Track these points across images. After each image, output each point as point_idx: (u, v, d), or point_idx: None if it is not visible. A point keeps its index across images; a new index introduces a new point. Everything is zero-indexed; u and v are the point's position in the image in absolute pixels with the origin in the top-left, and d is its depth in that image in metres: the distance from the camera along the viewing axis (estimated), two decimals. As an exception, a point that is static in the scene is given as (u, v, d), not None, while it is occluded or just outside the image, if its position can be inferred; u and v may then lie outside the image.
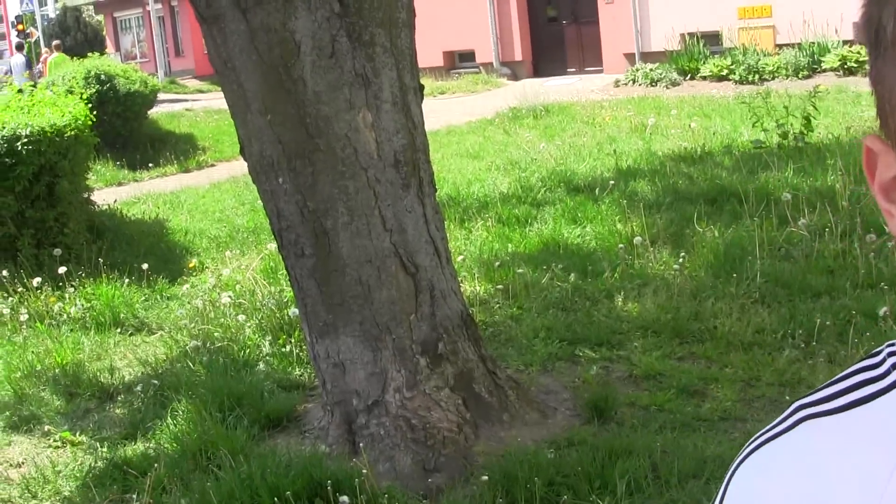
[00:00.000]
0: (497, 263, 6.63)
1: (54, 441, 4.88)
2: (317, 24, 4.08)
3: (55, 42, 22.77)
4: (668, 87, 16.40)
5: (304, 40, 4.10)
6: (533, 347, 5.32)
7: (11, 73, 27.11)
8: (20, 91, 10.76)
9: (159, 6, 34.14)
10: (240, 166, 4.69)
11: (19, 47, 31.03)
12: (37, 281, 7.07)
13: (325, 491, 3.71)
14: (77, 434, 4.89)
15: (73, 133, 8.11)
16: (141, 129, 15.38)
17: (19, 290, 7.02)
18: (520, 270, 6.34)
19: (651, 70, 17.09)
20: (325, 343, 4.36)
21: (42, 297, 6.97)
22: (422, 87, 4.46)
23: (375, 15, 4.15)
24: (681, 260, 6.11)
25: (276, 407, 4.83)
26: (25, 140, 7.61)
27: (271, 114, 4.18)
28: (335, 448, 4.34)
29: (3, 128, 7.71)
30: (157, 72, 29.87)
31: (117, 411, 5.18)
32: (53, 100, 9.14)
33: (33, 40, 49.83)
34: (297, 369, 5.39)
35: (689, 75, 16.64)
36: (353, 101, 4.12)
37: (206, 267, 7.89)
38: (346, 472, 3.89)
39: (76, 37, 32.57)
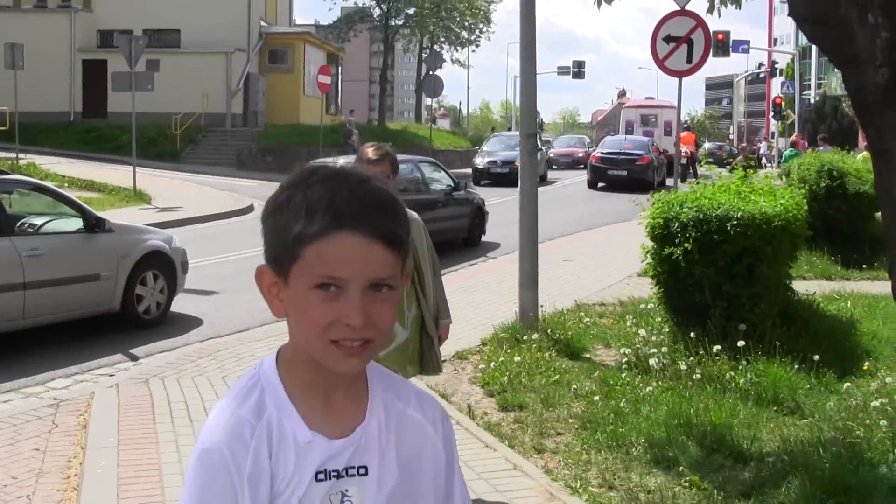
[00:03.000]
0: None
1: (684, 482, 5.68)
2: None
3: (821, 135, 23.49)
4: None
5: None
6: None
7: None
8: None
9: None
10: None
11: None
12: (717, 348, 8.03)
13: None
14: (705, 482, 5.67)
15: (780, 223, 8.95)
16: (864, 229, 15.56)
17: (700, 352, 8.13)
18: None
19: None
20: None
21: (717, 364, 7.93)
22: None
23: None
24: None
25: (881, 505, 5.18)
26: (735, 223, 8.66)
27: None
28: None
29: (718, 208, 8.91)
30: None
31: (745, 474, 5.87)
32: (771, 189, 10.08)
33: (788, 122, 51.86)
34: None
35: None
36: None
37: (878, 372, 8.14)
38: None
39: (830, 125, 33.53)
